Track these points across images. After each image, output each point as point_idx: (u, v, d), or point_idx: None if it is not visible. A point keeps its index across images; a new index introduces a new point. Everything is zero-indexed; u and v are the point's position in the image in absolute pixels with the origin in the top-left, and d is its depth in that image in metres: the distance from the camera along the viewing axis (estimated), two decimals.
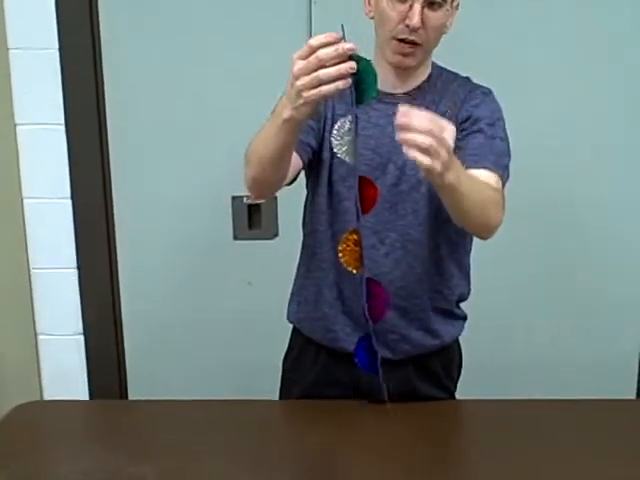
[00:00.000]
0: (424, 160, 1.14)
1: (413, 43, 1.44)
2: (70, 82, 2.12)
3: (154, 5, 2.11)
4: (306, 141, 1.51)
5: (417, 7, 1.40)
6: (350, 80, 1.16)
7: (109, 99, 2.16)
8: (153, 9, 2.11)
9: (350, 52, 1.15)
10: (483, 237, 1.48)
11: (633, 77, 2.14)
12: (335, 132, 1.24)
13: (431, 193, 1.52)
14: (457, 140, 1.47)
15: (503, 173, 1.48)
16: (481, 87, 1.56)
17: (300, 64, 1.16)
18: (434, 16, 1.43)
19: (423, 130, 1.13)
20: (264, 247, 2.25)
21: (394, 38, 1.45)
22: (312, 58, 1.15)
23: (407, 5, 1.41)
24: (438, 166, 1.16)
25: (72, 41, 2.10)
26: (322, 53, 1.14)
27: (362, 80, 1.17)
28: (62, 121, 2.14)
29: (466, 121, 1.50)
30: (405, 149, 1.15)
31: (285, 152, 1.37)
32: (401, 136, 1.14)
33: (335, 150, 1.24)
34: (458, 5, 1.52)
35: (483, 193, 1.38)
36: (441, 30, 1.47)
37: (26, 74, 2.10)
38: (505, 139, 1.52)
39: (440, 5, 1.43)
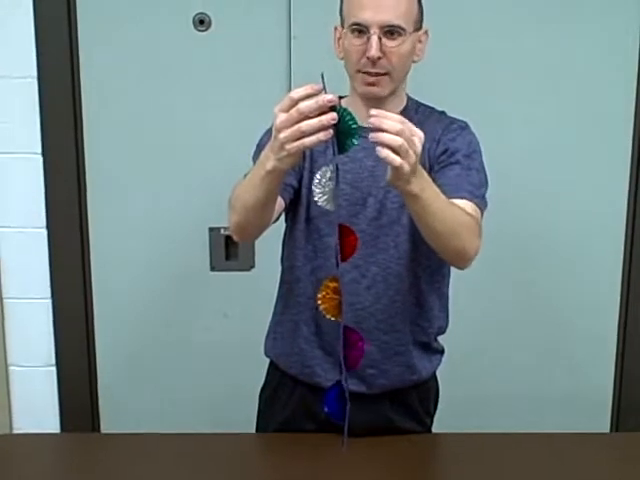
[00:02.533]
0: (395, 159, 1.17)
1: (377, 73, 1.47)
2: (48, 111, 2.11)
3: (134, 37, 2.12)
4: (288, 182, 1.52)
5: (374, 38, 1.43)
6: (332, 131, 1.18)
7: (87, 129, 2.16)
8: (133, 41, 2.12)
9: (331, 104, 1.16)
10: (459, 266, 1.48)
11: (606, 111, 2.18)
12: (317, 181, 1.25)
13: (412, 225, 1.52)
14: (434, 172, 1.50)
15: (480, 202, 1.49)
16: (458, 121, 1.59)
17: (282, 117, 1.18)
18: (393, 44, 1.45)
19: (394, 131, 1.17)
20: (241, 278, 2.24)
21: (359, 71, 1.48)
22: (293, 111, 1.17)
23: (365, 38, 1.44)
24: (406, 167, 1.19)
25: (51, 70, 2.10)
26: (303, 106, 1.16)
27: (342, 129, 1.19)
28: (39, 150, 2.13)
29: (443, 154, 1.52)
30: (378, 149, 1.17)
31: (269, 200, 1.38)
32: (373, 135, 1.17)
33: (316, 199, 1.25)
34: (427, 33, 1.54)
35: (457, 217, 1.39)
36: (405, 57, 1.49)
37: (4, 103, 2.10)
38: (482, 170, 1.54)
39: (399, 33, 1.45)
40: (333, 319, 1.34)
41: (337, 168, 1.24)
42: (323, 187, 1.24)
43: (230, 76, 2.13)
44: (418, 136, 1.21)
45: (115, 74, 2.14)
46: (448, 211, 1.36)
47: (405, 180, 1.22)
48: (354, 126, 1.20)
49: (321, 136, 1.17)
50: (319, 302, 1.33)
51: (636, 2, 2.11)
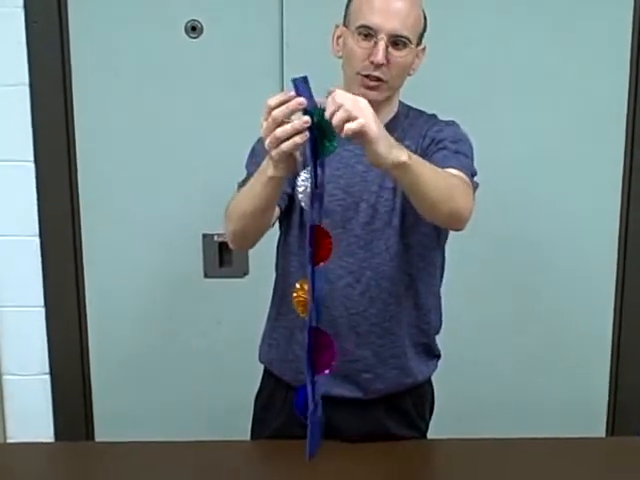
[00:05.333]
0: (356, 124, 1.17)
1: (377, 79, 1.47)
2: (40, 118, 2.11)
3: (126, 43, 2.11)
4: (282, 189, 1.52)
5: (381, 44, 1.44)
6: (308, 134, 1.18)
7: (79, 136, 2.16)
8: (125, 47, 2.12)
9: (301, 107, 1.18)
10: (455, 228, 1.46)
11: (599, 116, 2.18)
12: (300, 182, 1.27)
13: (402, 227, 1.54)
14: None
15: (471, 178, 1.49)
16: (445, 120, 1.60)
17: (264, 125, 1.22)
18: (398, 54, 1.47)
19: (336, 106, 1.18)
20: (234, 285, 2.24)
21: (359, 74, 1.48)
22: (270, 118, 1.20)
23: (372, 42, 1.45)
24: (371, 125, 1.18)
25: (42, 77, 2.09)
26: (276, 112, 1.19)
27: (321, 133, 1.20)
28: (31, 158, 2.13)
29: (430, 145, 1.53)
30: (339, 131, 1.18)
31: (268, 207, 1.41)
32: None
33: (299, 198, 1.27)
34: (425, 49, 1.55)
35: (448, 180, 1.39)
36: (405, 69, 1.51)
37: None
38: (470, 158, 1.53)
39: (404, 44, 1.47)
40: (304, 317, 1.34)
41: (315, 171, 1.25)
42: (305, 189, 1.25)
43: (222, 83, 2.13)
44: (360, 99, 1.21)
45: (107, 81, 2.13)
46: (439, 175, 1.36)
47: (386, 147, 1.22)
48: (334, 130, 1.20)
49: (297, 139, 1.19)
50: (294, 301, 1.34)
51: (628, 10, 2.12)
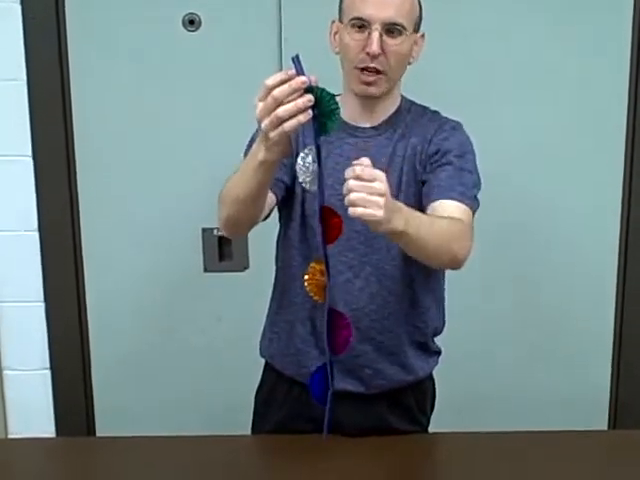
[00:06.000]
0: (359, 211, 1.18)
1: (376, 71, 1.46)
2: (38, 113, 2.10)
3: (124, 37, 2.11)
4: (279, 177, 1.51)
5: (375, 34, 1.43)
6: (311, 112, 1.17)
7: (77, 131, 2.15)
8: (123, 41, 2.11)
9: (304, 85, 1.16)
10: (453, 269, 1.48)
11: (599, 111, 2.17)
12: (300, 161, 1.26)
13: None
14: (426, 173, 1.50)
15: (472, 203, 1.49)
16: (450, 121, 1.58)
17: (260, 106, 1.19)
18: (393, 43, 1.45)
19: (349, 189, 1.19)
20: (234, 280, 2.24)
21: (356, 67, 1.47)
22: (269, 98, 1.18)
23: (366, 33, 1.44)
24: (378, 212, 1.19)
25: (40, 72, 2.09)
26: (277, 92, 1.17)
27: (323, 111, 1.19)
28: (29, 153, 2.12)
29: (435, 154, 1.52)
30: (350, 210, 1.20)
31: (260, 193, 1.38)
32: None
33: (300, 180, 1.26)
34: (424, 36, 1.54)
35: (445, 232, 1.38)
36: (403, 58, 1.49)
37: None
38: (474, 171, 1.53)
39: (400, 32, 1.45)
40: (317, 299, 1.34)
41: (318, 148, 1.24)
42: (307, 169, 1.25)
43: (220, 76, 2.13)
44: (379, 179, 1.20)
45: (105, 75, 2.13)
46: (436, 229, 1.36)
47: (381, 222, 1.22)
48: (334, 107, 1.19)
49: (301, 118, 1.17)
50: (306, 283, 1.34)
51: (629, 5, 2.11)
